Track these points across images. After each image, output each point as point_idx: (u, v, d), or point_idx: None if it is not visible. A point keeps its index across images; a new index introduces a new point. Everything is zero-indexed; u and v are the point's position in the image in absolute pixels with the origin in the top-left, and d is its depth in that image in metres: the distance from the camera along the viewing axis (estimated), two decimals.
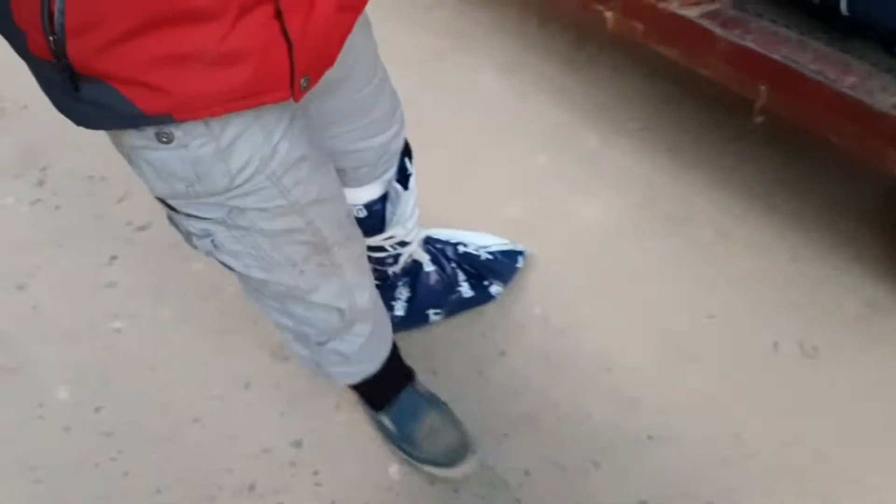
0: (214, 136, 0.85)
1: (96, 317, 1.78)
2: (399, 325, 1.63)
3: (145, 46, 0.73)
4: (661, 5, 1.53)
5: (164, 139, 0.83)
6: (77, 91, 0.77)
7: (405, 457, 1.49)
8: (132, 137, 0.85)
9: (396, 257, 1.55)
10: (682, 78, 1.95)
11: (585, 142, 1.91)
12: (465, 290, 1.66)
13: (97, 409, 1.65)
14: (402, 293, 1.64)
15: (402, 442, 1.49)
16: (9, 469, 1.59)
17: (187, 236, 1.01)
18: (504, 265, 1.68)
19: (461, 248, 1.67)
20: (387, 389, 1.48)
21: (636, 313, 1.64)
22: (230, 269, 1.05)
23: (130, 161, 0.91)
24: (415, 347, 1.64)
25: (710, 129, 1.89)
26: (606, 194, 1.82)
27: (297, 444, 1.56)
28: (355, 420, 1.57)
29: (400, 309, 1.64)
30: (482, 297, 1.68)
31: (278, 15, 0.78)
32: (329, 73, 0.95)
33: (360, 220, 1.37)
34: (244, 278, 1.09)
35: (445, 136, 1.96)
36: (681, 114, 1.93)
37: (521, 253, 1.70)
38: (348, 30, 0.93)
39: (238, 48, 0.77)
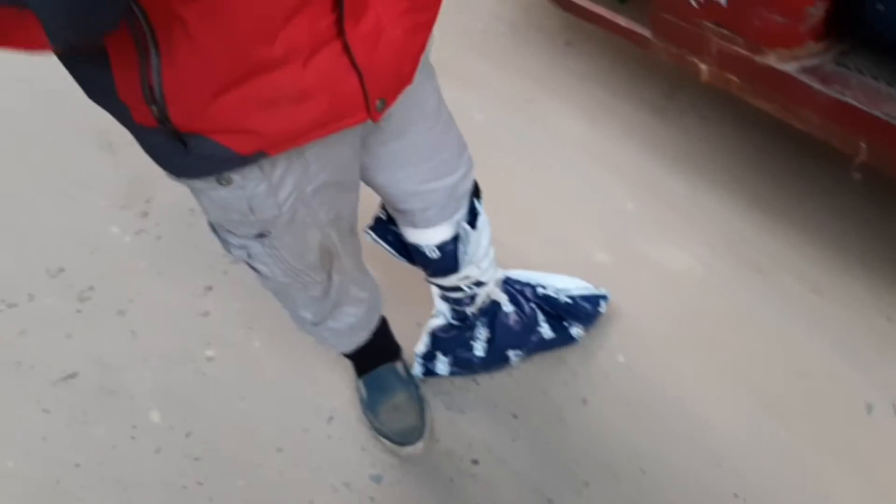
0: (266, 176, 0.96)
1: (190, 344, 1.85)
2: (480, 365, 1.66)
3: (235, 99, 0.82)
4: (758, 59, 1.53)
5: (224, 182, 0.95)
6: (186, 147, 0.86)
7: (368, 423, 1.64)
8: (198, 181, 0.97)
9: (473, 297, 1.56)
10: (775, 129, 1.93)
11: (674, 190, 1.90)
12: (546, 331, 1.66)
13: (187, 434, 1.70)
14: (482, 333, 1.65)
15: (368, 410, 1.65)
16: (102, 486, 1.66)
17: (225, 245, 1.14)
18: (584, 309, 1.67)
19: (540, 290, 1.67)
20: (369, 360, 1.64)
21: (724, 366, 1.62)
22: (258, 272, 1.19)
23: (196, 196, 1.04)
24: (496, 391, 1.65)
25: (803, 182, 1.86)
26: (695, 244, 1.80)
27: (377, 479, 1.58)
28: (435, 458, 1.59)
29: (480, 349, 1.65)
30: (563, 339, 1.68)
31: (346, 48, 0.86)
32: (396, 118, 1.09)
33: (433, 261, 1.41)
34: (267, 280, 1.23)
35: (533, 180, 1.98)
36: (772, 165, 1.90)
37: (603, 297, 1.70)
38: (421, 49, 1.01)
39: (312, 85, 0.85)
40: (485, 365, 1.67)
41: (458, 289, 1.52)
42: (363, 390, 1.66)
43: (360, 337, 1.52)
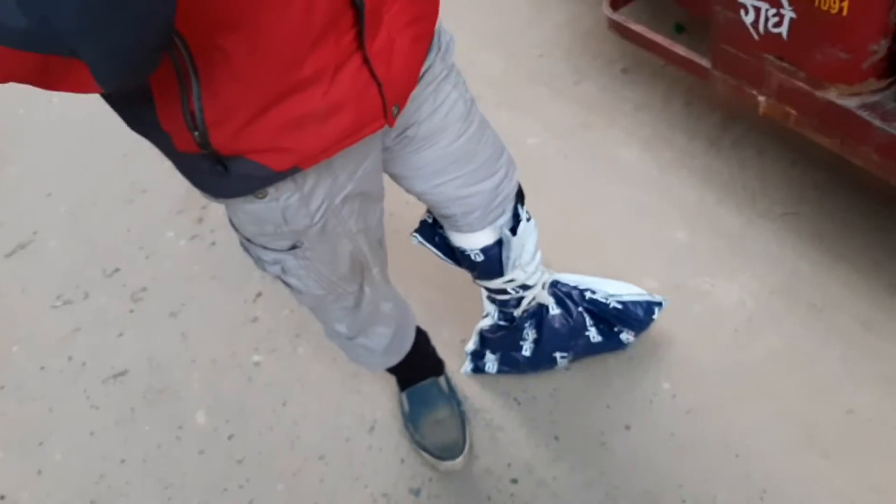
0: (299, 187, 1.01)
1: (238, 349, 1.88)
2: (526, 365, 1.67)
3: (270, 120, 0.87)
4: (819, 93, 1.52)
5: (260, 195, 1.00)
6: (227, 170, 0.92)
7: (409, 436, 1.66)
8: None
9: (519, 300, 1.56)
10: (831, 165, 1.91)
11: (727, 222, 1.89)
12: (594, 334, 1.65)
13: (230, 437, 1.73)
14: (529, 334, 1.65)
15: (409, 423, 1.67)
16: (145, 483, 1.69)
17: (258, 262, 1.18)
18: (635, 315, 1.65)
19: (588, 295, 1.65)
20: (412, 374, 1.67)
21: (770, 400, 1.60)
22: (292, 287, 1.22)
23: (231, 213, 1.09)
24: (538, 411, 1.65)
25: (858, 219, 1.84)
26: (746, 276, 1.79)
27: (416, 492, 1.59)
28: (475, 475, 1.59)
29: (527, 350, 1.65)
30: (612, 343, 1.67)
31: (366, 61, 0.91)
32: (424, 127, 1.16)
33: (478, 264, 1.43)
34: (301, 294, 1.25)
35: (585, 205, 1.99)
36: (827, 201, 1.88)
37: (658, 304, 1.67)
38: (423, 56, 1.05)
39: (338, 99, 0.90)
40: (531, 365, 1.67)
41: (504, 291, 1.52)
42: (406, 403, 1.68)
43: (391, 360, 1.54)
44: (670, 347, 1.71)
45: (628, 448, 1.58)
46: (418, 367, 1.66)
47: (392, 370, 1.62)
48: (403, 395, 1.68)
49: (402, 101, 1.02)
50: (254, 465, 1.68)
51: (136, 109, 0.89)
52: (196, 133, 0.86)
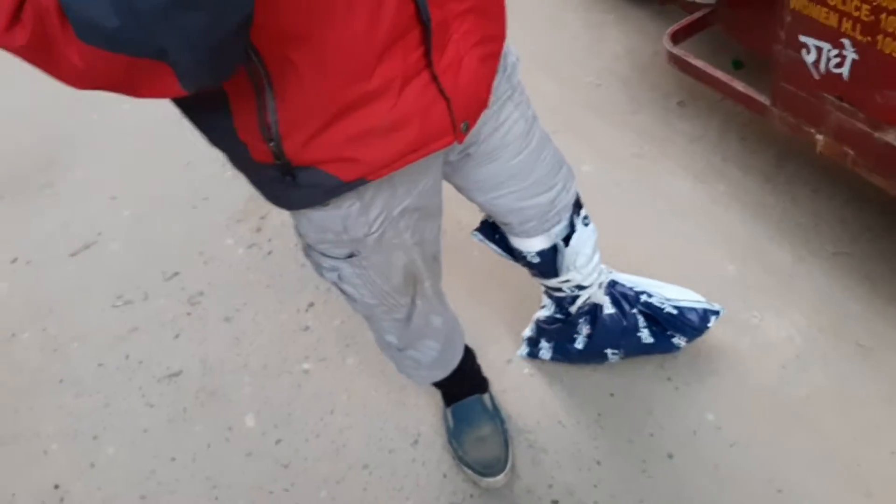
0: (360, 196, 1.05)
1: (289, 356, 1.93)
2: (578, 357, 1.71)
3: (338, 131, 0.92)
4: (878, 135, 1.53)
5: (324, 203, 1.04)
6: (295, 180, 0.97)
7: (452, 452, 1.68)
8: None
9: (574, 298, 1.59)
10: (885, 206, 1.91)
11: (778, 258, 1.90)
12: (646, 335, 1.68)
13: (278, 441, 1.77)
14: (583, 329, 1.68)
15: (453, 438, 1.69)
16: (194, 482, 1.74)
17: (317, 268, 1.22)
18: (689, 322, 1.66)
19: (644, 298, 1.67)
20: (457, 390, 1.70)
21: (815, 437, 1.59)
22: (347, 295, 1.27)
23: (296, 220, 1.14)
24: (582, 435, 1.67)
25: None
26: (795, 313, 1.79)
27: None
28: (516, 494, 1.61)
29: (580, 343, 1.69)
30: (663, 345, 1.69)
31: (434, 78, 0.95)
32: (484, 145, 1.21)
33: (534, 265, 1.49)
34: (355, 303, 1.29)
35: (636, 234, 2.01)
36: (881, 243, 1.88)
37: (716, 312, 1.67)
38: (492, 74, 1.09)
39: (406, 113, 0.94)
40: (583, 357, 1.72)
41: (559, 289, 1.57)
42: (450, 419, 1.70)
43: (438, 375, 1.58)
44: (717, 379, 1.71)
45: (670, 477, 1.59)
46: (464, 383, 1.69)
47: (438, 385, 1.65)
48: (448, 411, 1.71)
49: (472, 118, 1.05)
50: (299, 471, 1.72)
51: (216, 121, 0.94)
52: (272, 143, 0.91)
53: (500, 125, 1.22)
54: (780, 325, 1.78)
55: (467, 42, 0.99)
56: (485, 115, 1.15)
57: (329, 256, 1.17)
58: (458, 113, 1.01)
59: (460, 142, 1.05)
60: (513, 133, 1.24)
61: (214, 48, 0.70)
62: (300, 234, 1.18)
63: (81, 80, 0.71)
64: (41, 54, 0.67)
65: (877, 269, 1.84)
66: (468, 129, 1.05)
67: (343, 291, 1.27)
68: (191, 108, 0.94)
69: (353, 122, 0.91)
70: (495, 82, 1.13)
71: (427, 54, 0.93)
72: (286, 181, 0.97)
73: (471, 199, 1.36)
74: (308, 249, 1.20)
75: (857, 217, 1.95)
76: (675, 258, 1.95)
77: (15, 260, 2.34)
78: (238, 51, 0.75)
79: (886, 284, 1.80)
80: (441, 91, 0.96)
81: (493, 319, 1.90)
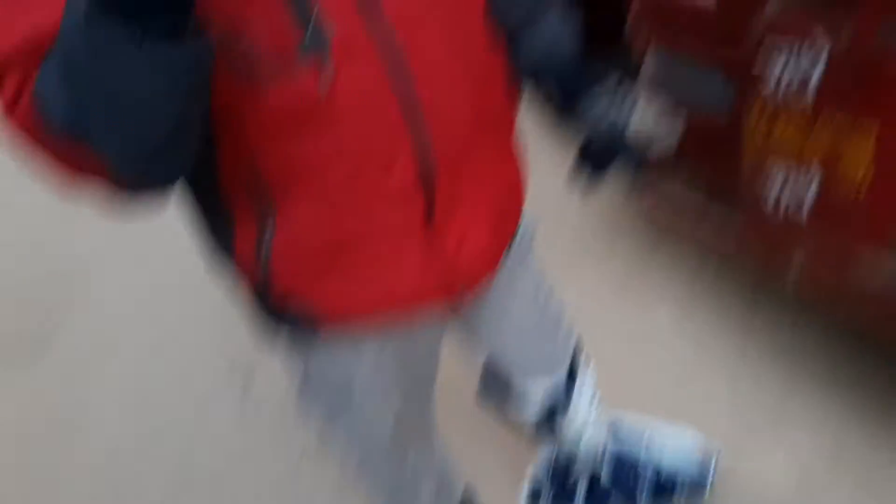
0: (350, 340, 1.03)
1: None
2: None
3: (328, 270, 0.93)
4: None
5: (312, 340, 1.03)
6: (278, 314, 0.99)
7: None
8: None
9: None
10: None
11: (769, 386, 1.92)
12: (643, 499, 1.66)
13: None
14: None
15: None
16: None
17: (305, 415, 1.20)
18: (687, 480, 1.66)
19: (641, 471, 1.66)
20: None
21: None
22: (336, 447, 1.24)
23: (288, 359, 1.13)
24: None
25: None
26: (789, 441, 1.80)
27: None
28: None
29: None
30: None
31: (434, 239, 0.95)
32: (486, 310, 1.18)
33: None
34: (345, 456, 1.26)
35: (623, 368, 2.02)
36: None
37: (708, 470, 1.68)
38: (501, 248, 1.08)
39: (398, 264, 0.95)
40: None
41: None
42: None
43: None
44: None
45: None
46: None
47: None
48: None
49: (468, 292, 1.03)
50: None
51: (218, 239, 0.97)
52: (261, 271, 0.93)
53: (506, 291, 1.20)
54: (776, 456, 1.78)
55: (479, 214, 0.99)
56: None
57: (317, 402, 1.17)
58: (453, 282, 1.00)
59: (455, 312, 1.06)
60: (517, 301, 1.25)
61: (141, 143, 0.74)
62: (291, 373, 1.18)
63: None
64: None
65: (866, 394, 1.86)
66: (462, 301, 1.04)
67: (331, 444, 1.26)
68: (203, 227, 0.98)
69: (345, 264, 0.93)
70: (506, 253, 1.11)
71: (428, 217, 0.93)
72: (268, 314, 1.00)
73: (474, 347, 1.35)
74: (298, 392, 1.19)
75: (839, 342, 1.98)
76: (666, 386, 1.97)
77: None
78: (167, 159, 0.78)
79: (878, 411, 1.82)
80: (441, 255, 0.96)
81: (493, 468, 1.88)
